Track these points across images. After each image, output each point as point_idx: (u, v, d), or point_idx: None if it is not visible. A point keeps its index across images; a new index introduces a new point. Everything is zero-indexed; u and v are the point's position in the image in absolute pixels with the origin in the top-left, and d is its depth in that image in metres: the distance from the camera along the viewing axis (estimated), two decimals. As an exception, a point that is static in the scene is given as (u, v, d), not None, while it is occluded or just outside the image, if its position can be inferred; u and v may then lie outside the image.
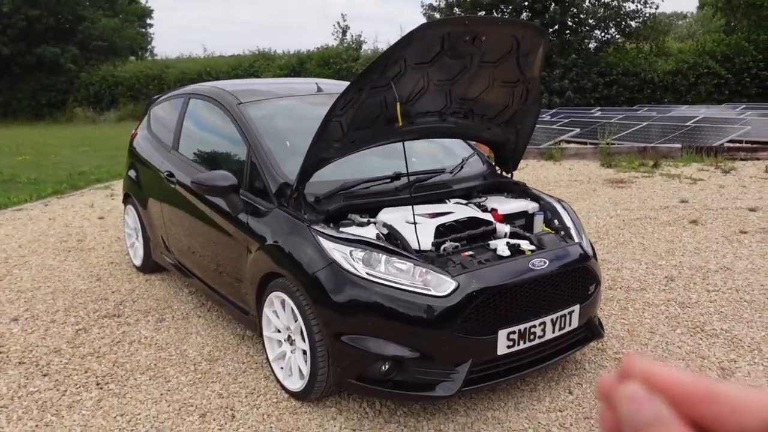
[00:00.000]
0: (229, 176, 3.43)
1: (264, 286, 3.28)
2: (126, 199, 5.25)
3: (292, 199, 3.16)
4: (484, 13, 24.60)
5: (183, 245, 4.26)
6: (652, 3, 24.59)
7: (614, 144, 10.90)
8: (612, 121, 13.42)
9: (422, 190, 3.44)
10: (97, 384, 3.36)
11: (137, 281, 4.94)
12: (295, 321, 3.06)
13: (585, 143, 11.82)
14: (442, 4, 25.75)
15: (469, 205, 3.51)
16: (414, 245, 3.00)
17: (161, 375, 3.44)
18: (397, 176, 3.46)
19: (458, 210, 3.36)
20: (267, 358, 3.38)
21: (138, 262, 5.10)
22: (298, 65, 26.80)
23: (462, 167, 3.83)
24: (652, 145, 10.92)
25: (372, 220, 3.21)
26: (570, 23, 24.54)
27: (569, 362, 3.48)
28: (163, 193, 4.42)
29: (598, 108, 20.63)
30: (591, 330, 3.30)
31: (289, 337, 3.17)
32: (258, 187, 3.45)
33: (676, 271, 4.91)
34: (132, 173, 5.05)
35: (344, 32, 28.07)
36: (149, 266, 4.99)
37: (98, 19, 30.63)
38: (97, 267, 5.31)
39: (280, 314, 3.19)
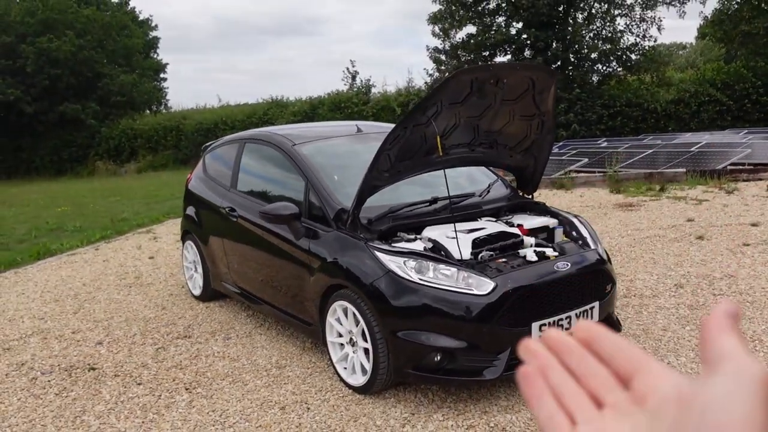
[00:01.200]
0: (291, 206, 4.03)
1: (326, 299, 3.84)
2: (185, 236, 5.85)
3: (348, 222, 3.75)
4: (488, 53, 25.56)
5: (246, 272, 4.83)
6: (650, 36, 25.47)
7: (622, 171, 11.47)
8: (618, 150, 14.02)
9: (458, 210, 4.02)
10: (186, 389, 3.90)
11: (198, 308, 5.51)
12: (357, 325, 3.61)
13: (594, 172, 12.41)
14: (447, 47, 26.76)
15: (498, 221, 4.08)
16: (456, 255, 3.56)
17: (239, 380, 3.98)
18: (434, 200, 4.05)
19: (490, 226, 3.93)
20: (330, 361, 3.91)
21: (197, 291, 5.68)
22: (310, 111, 27.70)
23: (489, 191, 4.42)
24: (658, 170, 11.49)
25: (418, 236, 3.78)
26: (572, 59, 25.40)
27: (593, 355, 3.99)
28: (224, 228, 5.02)
29: (604, 138, 21.29)
30: (610, 325, 3.81)
31: (351, 339, 3.72)
32: (316, 215, 4.04)
33: (685, 280, 5.42)
34: (191, 212, 5.67)
35: (353, 77, 29.11)
36: (208, 295, 5.56)
37: (117, 76, 31.87)
38: (160, 298, 5.89)
39: (342, 320, 3.74)
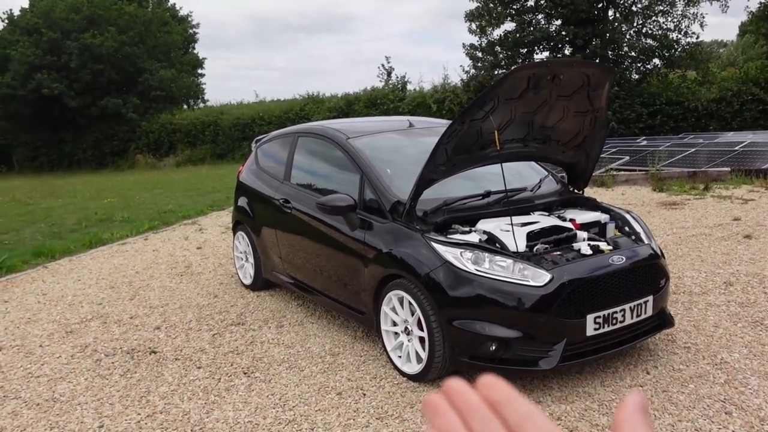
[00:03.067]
0: (347, 198, 4.14)
1: (381, 288, 3.94)
2: (236, 227, 6.01)
3: (405, 214, 3.84)
4: (525, 50, 25.40)
5: (299, 262, 4.96)
6: (693, 33, 25.01)
7: (664, 170, 11.36)
8: (660, 148, 13.86)
9: (511, 204, 4.08)
10: (245, 373, 4.04)
11: (249, 297, 5.67)
12: (413, 314, 3.70)
13: (635, 170, 12.30)
14: (484, 43, 26.64)
15: (551, 216, 4.13)
16: (511, 247, 3.63)
17: (295, 366, 4.11)
18: (487, 193, 4.11)
19: (543, 220, 3.99)
20: (384, 349, 4.02)
21: (248, 281, 5.83)
22: (346, 107, 27.90)
23: (540, 186, 4.47)
24: (701, 169, 11.35)
25: (472, 228, 3.86)
26: (611, 56, 25.10)
27: (644, 350, 4.03)
28: (277, 219, 5.16)
29: (644, 137, 21.00)
30: (663, 319, 3.85)
31: (406, 328, 3.81)
32: (371, 206, 4.14)
33: (734, 278, 5.39)
34: (243, 203, 5.82)
35: (389, 74, 29.19)
36: (259, 284, 5.71)
37: (156, 71, 32.46)
38: (211, 287, 6.06)
39: (397, 309, 3.84)
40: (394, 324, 3.91)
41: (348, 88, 34.91)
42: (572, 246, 3.76)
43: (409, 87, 28.83)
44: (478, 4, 26.06)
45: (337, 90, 31.85)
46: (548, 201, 4.30)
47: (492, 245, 3.68)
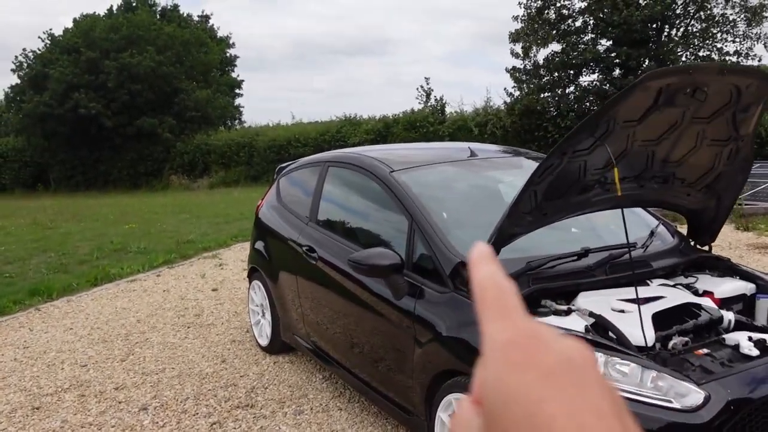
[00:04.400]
0: (390, 254, 3.02)
1: (437, 385, 2.80)
2: (252, 274, 4.94)
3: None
4: (572, 72, 24.16)
5: (324, 327, 3.86)
6: (755, 56, 23.46)
7: (747, 204, 9.98)
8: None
9: (619, 269, 2.91)
10: (245, 495, 2.92)
11: (265, 364, 4.57)
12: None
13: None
14: (528, 66, 25.42)
15: (677, 286, 2.94)
16: (636, 340, 2.45)
17: (314, 485, 2.98)
18: (585, 252, 2.95)
19: (668, 293, 2.80)
20: (439, 469, 2.85)
21: (264, 341, 4.74)
22: (384, 129, 26.95)
23: (651, 240, 3.28)
24: (788, 205, 9.94)
25: (571, 306, 2.69)
26: (666, 79, 23.68)
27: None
28: (300, 269, 4.07)
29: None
30: None
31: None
32: (424, 267, 3.02)
33: None
34: (260, 246, 4.76)
35: (428, 95, 28.16)
36: (276, 347, 4.62)
37: (193, 91, 32.08)
38: (220, 346, 4.98)
39: (460, 420, 2.68)
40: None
41: (386, 111, 33.84)
42: (721, 338, 2.56)
43: (449, 110, 27.80)
44: (523, 25, 24.95)
45: (375, 112, 30.79)
46: (669, 263, 3.11)
47: (604, 336, 2.51)
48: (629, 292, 2.76)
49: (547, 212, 2.73)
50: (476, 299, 0.38)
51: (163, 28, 31.78)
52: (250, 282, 5.01)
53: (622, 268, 2.88)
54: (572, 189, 2.70)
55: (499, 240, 2.62)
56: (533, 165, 3.91)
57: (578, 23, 24.63)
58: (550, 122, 23.26)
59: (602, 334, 2.52)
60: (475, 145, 4.08)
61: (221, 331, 5.38)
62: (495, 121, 24.38)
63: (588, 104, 24.04)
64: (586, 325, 2.54)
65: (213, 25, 37.61)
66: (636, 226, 3.47)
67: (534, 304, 2.70)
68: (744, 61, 23.33)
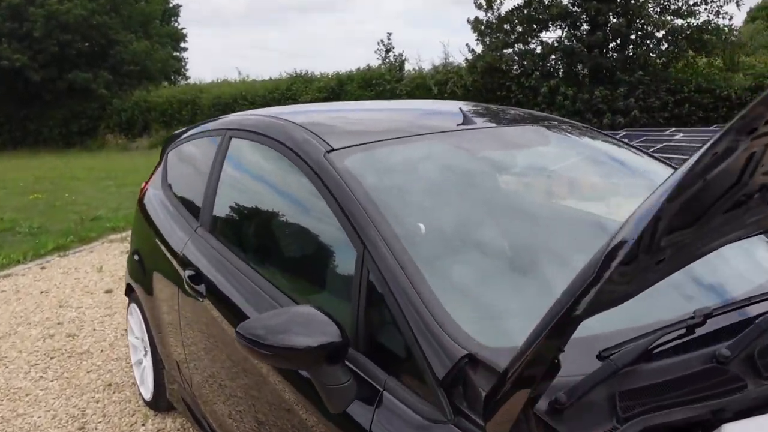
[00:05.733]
0: (320, 321, 1.50)
1: None
2: (130, 293, 3.37)
3: (500, 404, 1.21)
4: (540, 27, 22.69)
5: (210, 392, 2.34)
6: (725, 13, 22.41)
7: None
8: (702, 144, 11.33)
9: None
10: None
11: (147, 429, 3.04)
12: None
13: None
14: (492, 19, 23.76)
15: None
16: None
17: None
18: (702, 318, 1.47)
19: None
20: None
21: (147, 394, 3.21)
22: (338, 87, 25.25)
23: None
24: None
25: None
26: (634, 37, 22.50)
27: None
28: (184, 305, 2.52)
29: (674, 128, 18.46)
30: None
31: None
32: (388, 348, 1.53)
33: None
34: (137, 253, 3.18)
35: (388, 51, 26.36)
36: (164, 403, 3.09)
37: (130, 43, 29.55)
38: (86, 395, 3.44)
39: None
40: None
41: (343, 68, 31.53)
42: None
43: (408, 67, 26.13)
44: (487, -25, 23.22)
45: (330, 70, 28.62)
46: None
47: None
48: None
49: (667, 255, 1.26)
50: None
51: (95, -27, 28.94)
52: (128, 304, 3.44)
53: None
54: (720, 204, 1.23)
55: (563, 325, 1.14)
56: (564, 140, 2.42)
57: (544, -26, 23.08)
58: (514, 81, 21.94)
59: None
60: (468, 106, 2.54)
61: (97, 365, 3.83)
62: (456, 80, 22.84)
63: (553, 62, 22.72)
64: None
65: (152, -29, 34.57)
66: (755, 262, 2.00)
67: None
68: (715, 19, 22.28)
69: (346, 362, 1.55)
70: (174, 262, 2.60)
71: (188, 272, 2.40)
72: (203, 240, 2.47)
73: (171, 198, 2.99)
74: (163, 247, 2.78)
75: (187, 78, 36.83)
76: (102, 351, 4.04)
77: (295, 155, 2.02)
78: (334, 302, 1.77)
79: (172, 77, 35.22)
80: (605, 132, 2.49)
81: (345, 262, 1.74)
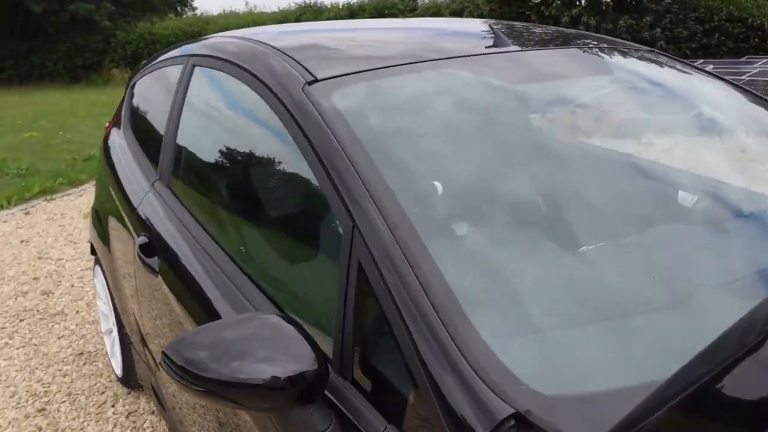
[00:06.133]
0: (287, 338, 1.00)
1: None
2: (94, 253, 2.89)
3: None
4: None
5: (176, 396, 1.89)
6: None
7: None
8: (742, 77, 10.59)
9: None
10: None
11: (112, 416, 2.63)
12: None
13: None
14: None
15: None
16: None
17: None
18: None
19: None
20: None
21: (118, 369, 2.78)
22: (349, 17, 24.19)
23: None
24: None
25: None
26: (662, -40, 21.15)
27: None
28: (140, 273, 2.03)
29: (702, 60, 17.47)
30: None
31: None
32: (390, 381, 1.03)
33: None
34: (98, 207, 2.69)
35: (403, -22, 25.08)
36: (135, 380, 2.66)
37: (134, -29, 28.41)
38: (54, 366, 3.03)
39: None
40: None
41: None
42: None
43: (421, -5, 24.94)
44: None
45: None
46: None
47: None
48: None
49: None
50: None
51: None
52: (95, 264, 2.97)
53: None
54: None
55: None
56: (636, 66, 1.85)
57: None
58: (533, 10, 20.81)
59: None
60: (494, 25, 1.96)
61: (70, 328, 3.41)
62: (472, 8, 21.75)
63: (575, -11, 21.48)
64: None
65: None
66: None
67: None
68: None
69: (326, 392, 1.06)
70: (129, 224, 2.10)
71: (140, 239, 1.90)
72: (161, 198, 1.96)
73: (131, 142, 2.46)
74: (119, 202, 2.28)
75: (193, 9, 35.60)
76: (77, 312, 3.62)
77: (265, 88, 1.48)
78: (313, 301, 1.27)
79: (178, 8, 34.03)
80: (683, 60, 1.91)
81: (329, 244, 1.23)
